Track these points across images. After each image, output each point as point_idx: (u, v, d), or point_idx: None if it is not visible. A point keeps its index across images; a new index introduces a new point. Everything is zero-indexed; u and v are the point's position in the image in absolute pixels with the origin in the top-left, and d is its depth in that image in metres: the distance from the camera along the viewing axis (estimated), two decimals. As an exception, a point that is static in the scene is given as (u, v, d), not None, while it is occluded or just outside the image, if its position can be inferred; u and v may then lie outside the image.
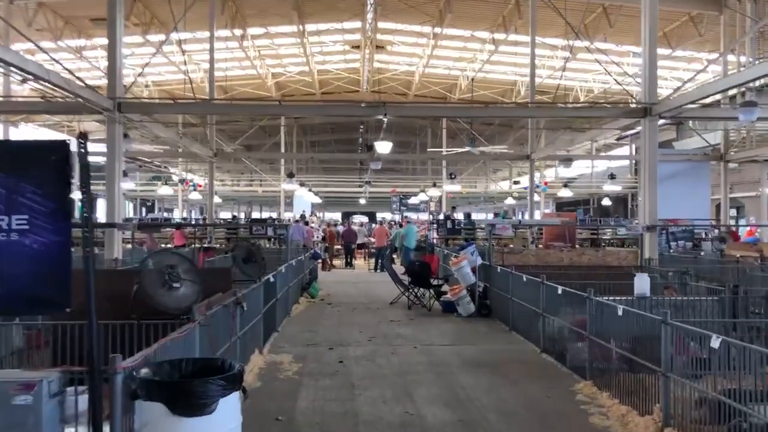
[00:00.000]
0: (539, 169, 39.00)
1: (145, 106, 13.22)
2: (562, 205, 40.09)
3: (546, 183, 28.12)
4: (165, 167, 38.61)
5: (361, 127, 36.88)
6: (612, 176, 23.23)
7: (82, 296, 3.85)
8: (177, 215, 38.00)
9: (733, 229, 20.05)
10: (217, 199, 34.60)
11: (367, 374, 7.79)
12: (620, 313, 6.52)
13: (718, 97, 15.15)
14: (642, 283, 7.47)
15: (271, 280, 9.54)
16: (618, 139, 33.04)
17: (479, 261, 11.74)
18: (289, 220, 25.25)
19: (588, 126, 20.18)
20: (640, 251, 11.82)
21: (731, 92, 16.71)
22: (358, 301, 14.15)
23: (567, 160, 18.16)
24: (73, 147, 3.86)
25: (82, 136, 3.76)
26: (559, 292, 8.17)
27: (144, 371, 3.89)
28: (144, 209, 42.77)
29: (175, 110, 13.94)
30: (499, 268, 11.08)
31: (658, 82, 13.76)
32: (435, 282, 13.27)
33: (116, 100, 13.23)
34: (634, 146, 32.71)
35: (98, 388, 3.75)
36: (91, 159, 4.36)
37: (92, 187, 3.59)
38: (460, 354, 8.86)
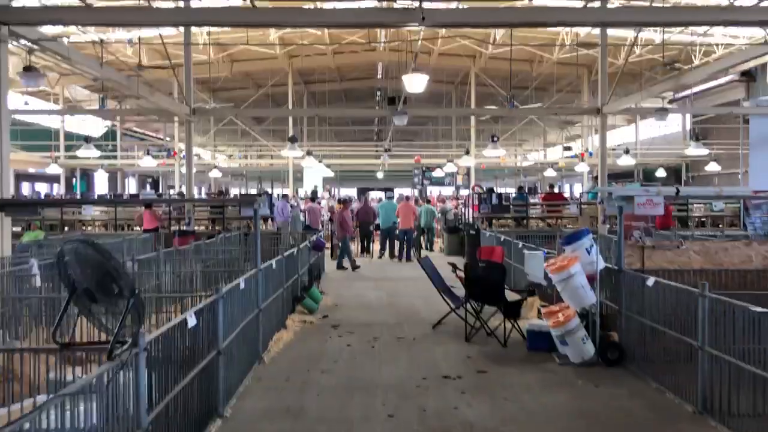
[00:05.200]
0: (575, 137, 32.95)
1: (44, 12, 7.67)
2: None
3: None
4: (168, 139, 33.16)
5: (378, 92, 31.05)
6: (697, 137, 17.09)
7: None
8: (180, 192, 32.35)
9: None
10: (216, 173, 29.08)
11: None
12: None
13: None
14: None
15: (190, 323, 3.93)
16: (670, 102, 27.02)
17: (602, 264, 6.01)
18: (277, 196, 19.40)
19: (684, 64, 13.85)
20: None
21: None
22: (381, 319, 8.45)
23: (662, 111, 12.23)
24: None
25: None
26: None
27: None
28: (148, 185, 37.32)
29: (92, 18, 8.35)
30: (651, 279, 5.36)
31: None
32: (508, 295, 7.60)
33: (-9, 4, 7.60)
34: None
35: None
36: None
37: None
38: None
